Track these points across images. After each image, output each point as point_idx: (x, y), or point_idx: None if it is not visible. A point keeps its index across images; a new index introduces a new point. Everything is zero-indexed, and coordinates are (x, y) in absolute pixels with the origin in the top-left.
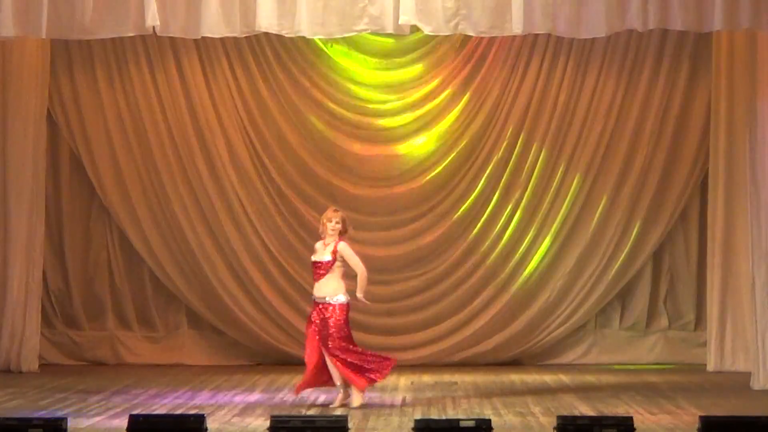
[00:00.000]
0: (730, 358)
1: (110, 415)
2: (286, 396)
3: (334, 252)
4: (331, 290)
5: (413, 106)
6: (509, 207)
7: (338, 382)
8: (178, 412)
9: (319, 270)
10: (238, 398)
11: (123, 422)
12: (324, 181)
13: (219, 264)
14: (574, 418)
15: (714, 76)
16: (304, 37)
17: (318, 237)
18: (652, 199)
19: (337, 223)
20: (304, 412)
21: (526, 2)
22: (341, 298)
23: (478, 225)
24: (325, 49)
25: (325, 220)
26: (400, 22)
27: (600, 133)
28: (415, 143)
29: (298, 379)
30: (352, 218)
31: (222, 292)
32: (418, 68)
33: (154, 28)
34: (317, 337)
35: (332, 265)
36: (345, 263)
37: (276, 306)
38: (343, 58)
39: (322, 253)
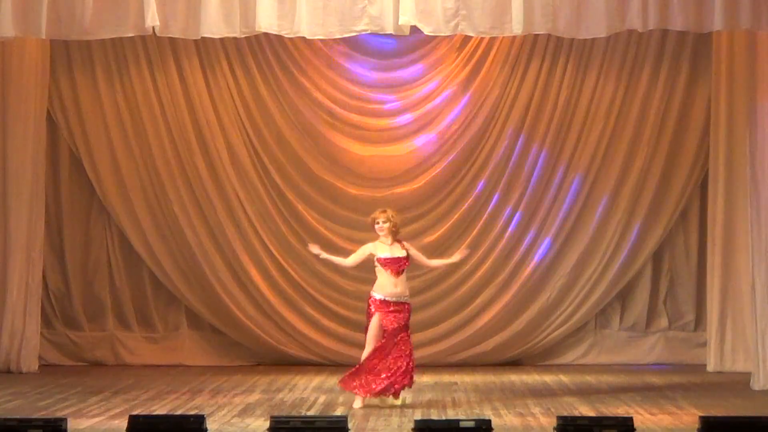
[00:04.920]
0: (730, 358)
1: (110, 416)
2: (286, 396)
3: (407, 250)
4: (407, 289)
5: (413, 106)
6: (509, 207)
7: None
8: (178, 412)
9: (397, 266)
10: (237, 399)
11: (123, 423)
12: (324, 182)
13: (219, 264)
14: (574, 418)
15: (714, 76)
16: (304, 37)
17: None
18: (652, 199)
19: (384, 222)
20: (304, 412)
21: (526, 2)
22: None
23: (478, 225)
24: (325, 48)
25: (371, 221)
26: (400, 23)
27: (600, 133)
28: (415, 143)
29: (298, 379)
30: (353, 219)
31: (222, 292)
32: (418, 68)
33: (153, 28)
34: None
35: (408, 263)
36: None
37: (276, 306)
38: (343, 58)
39: (395, 249)
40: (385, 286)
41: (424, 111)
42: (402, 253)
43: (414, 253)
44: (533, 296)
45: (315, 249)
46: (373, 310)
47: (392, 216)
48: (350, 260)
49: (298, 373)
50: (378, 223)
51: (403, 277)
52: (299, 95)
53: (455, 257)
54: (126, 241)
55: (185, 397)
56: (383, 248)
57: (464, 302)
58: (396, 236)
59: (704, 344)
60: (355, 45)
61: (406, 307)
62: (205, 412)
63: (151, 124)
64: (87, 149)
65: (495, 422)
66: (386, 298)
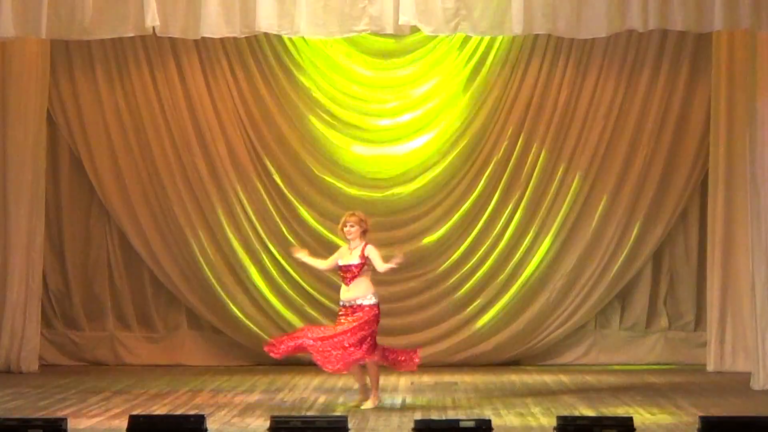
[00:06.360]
0: (730, 358)
1: (110, 416)
2: (286, 396)
3: (362, 255)
4: (361, 292)
5: (413, 106)
6: (509, 207)
7: (361, 383)
8: (178, 412)
9: (347, 273)
10: (238, 399)
11: (123, 422)
12: (324, 182)
13: (219, 264)
14: (574, 418)
15: (714, 76)
16: (304, 37)
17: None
18: (652, 199)
19: (351, 226)
20: (304, 412)
21: (526, 2)
22: (372, 298)
23: (478, 225)
24: (324, 48)
25: (341, 226)
26: (400, 23)
27: (600, 133)
28: (415, 143)
29: (298, 379)
30: None
31: (222, 292)
32: (418, 68)
33: (154, 28)
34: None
35: (362, 268)
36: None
37: (276, 306)
38: (343, 58)
39: (349, 256)
40: (341, 290)
41: (424, 111)
42: (353, 260)
43: (373, 256)
44: (533, 296)
45: (301, 255)
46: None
47: (362, 219)
48: (325, 264)
49: (298, 373)
50: (346, 225)
51: (356, 281)
52: (299, 95)
53: (394, 262)
54: (126, 241)
55: (185, 397)
56: (344, 254)
57: (464, 302)
58: (363, 239)
59: (704, 344)
60: (355, 45)
61: (361, 307)
62: (205, 412)
63: (151, 124)
64: (87, 149)
65: (495, 422)
66: (341, 303)
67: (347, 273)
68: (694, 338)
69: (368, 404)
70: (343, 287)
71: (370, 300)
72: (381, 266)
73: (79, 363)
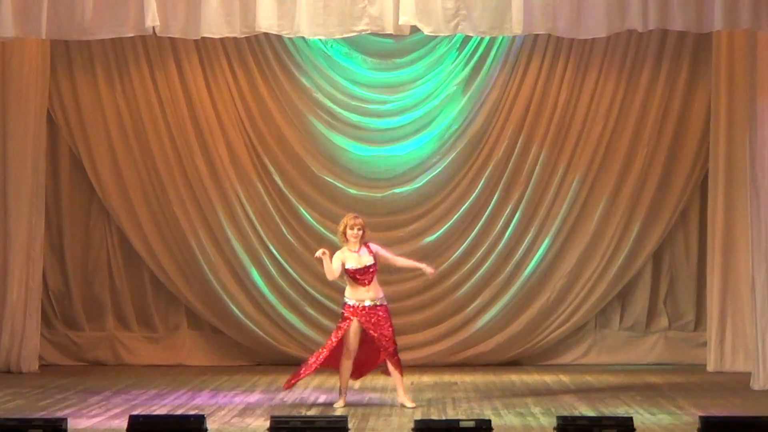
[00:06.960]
0: (730, 358)
1: (110, 416)
2: (286, 396)
3: (374, 254)
4: (381, 291)
5: (413, 106)
6: (509, 207)
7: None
8: (178, 412)
9: (367, 275)
10: (238, 399)
11: (123, 423)
12: (324, 182)
13: (219, 264)
14: (574, 418)
15: (714, 76)
16: (304, 37)
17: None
18: (652, 199)
19: (359, 230)
20: (304, 412)
21: (526, 2)
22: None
23: (478, 225)
24: (324, 48)
25: (345, 228)
26: (400, 23)
27: (600, 133)
28: (415, 143)
29: None
30: None
31: (222, 292)
32: (418, 68)
33: (154, 28)
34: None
35: (376, 266)
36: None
37: (276, 306)
38: (343, 58)
39: (361, 258)
40: (358, 292)
41: (424, 111)
42: (369, 260)
43: (382, 254)
44: (533, 296)
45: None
46: (346, 315)
47: (364, 221)
48: (336, 273)
49: None
50: (353, 229)
51: (374, 281)
52: (299, 95)
53: (424, 266)
54: (126, 241)
55: (185, 397)
56: (351, 257)
57: (464, 302)
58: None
59: (704, 344)
60: (355, 45)
61: (382, 306)
62: (205, 412)
63: (151, 124)
64: (87, 149)
65: (495, 422)
66: (361, 304)
67: (367, 274)
68: (694, 338)
69: (409, 403)
70: (360, 289)
71: (384, 299)
72: (401, 260)
73: (79, 363)
